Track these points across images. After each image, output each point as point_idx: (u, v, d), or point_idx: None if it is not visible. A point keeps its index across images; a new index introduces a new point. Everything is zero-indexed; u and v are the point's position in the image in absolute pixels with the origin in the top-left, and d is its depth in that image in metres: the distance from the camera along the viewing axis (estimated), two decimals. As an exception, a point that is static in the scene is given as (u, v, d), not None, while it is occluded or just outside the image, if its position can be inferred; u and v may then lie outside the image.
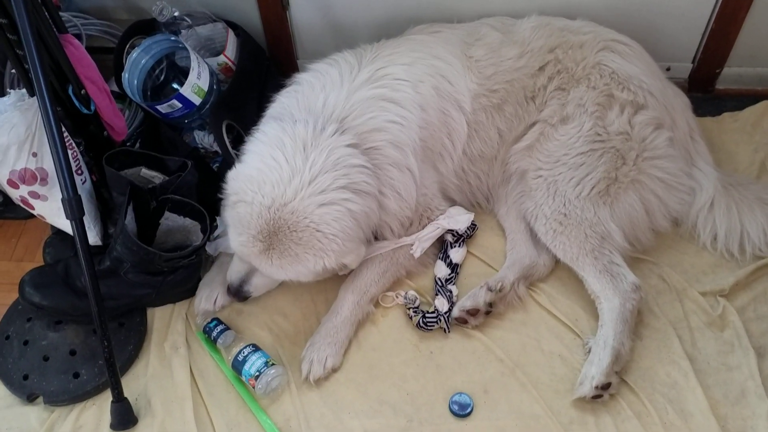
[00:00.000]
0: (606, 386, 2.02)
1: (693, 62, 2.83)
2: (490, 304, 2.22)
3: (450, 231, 2.37)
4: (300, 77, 2.31)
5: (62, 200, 1.93)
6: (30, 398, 2.14)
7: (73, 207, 1.93)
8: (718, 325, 2.18)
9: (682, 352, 2.12)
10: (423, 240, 2.33)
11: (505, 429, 2.02)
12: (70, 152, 2.13)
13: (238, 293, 2.18)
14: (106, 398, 2.10)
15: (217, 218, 2.33)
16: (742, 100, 2.80)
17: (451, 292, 2.28)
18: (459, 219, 2.36)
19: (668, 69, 2.77)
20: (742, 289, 2.26)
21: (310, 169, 1.99)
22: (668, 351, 2.14)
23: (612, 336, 2.08)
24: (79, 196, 1.93)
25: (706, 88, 2.88)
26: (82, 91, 2.13)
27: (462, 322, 2.22)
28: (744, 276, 2.26)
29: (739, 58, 2.78)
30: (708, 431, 1.96)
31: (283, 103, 2.26)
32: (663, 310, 2.23)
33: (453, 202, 2.45)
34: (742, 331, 2.14)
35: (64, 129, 2.11)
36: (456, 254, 2.37)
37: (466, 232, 2.38)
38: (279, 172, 1.99)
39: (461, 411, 2.05)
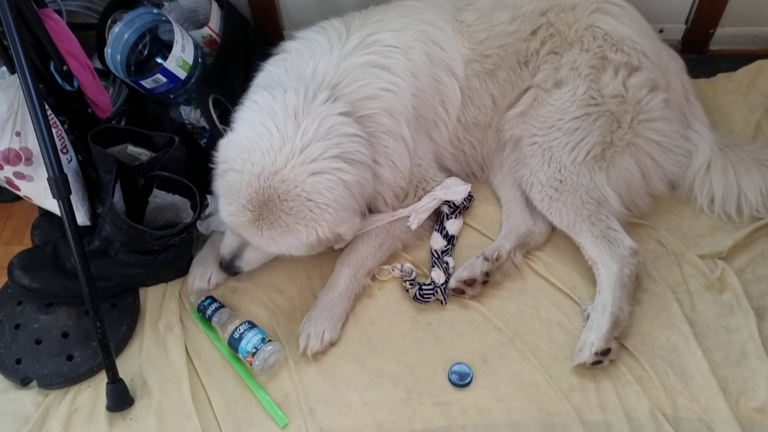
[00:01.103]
0: (605, 352, 2.01)
1: (686, 23, 2.79)
2: (487, 274, 2.19)
3: (446, 202, 2.34)
4: (287, 45, 2.26)
5: (48, 179, 1.89)
6: (24, 382, 2.11)
7: (59, 186, 1.89)
8: (717, 287, 2.17)
9: (682, 315, 2.11)
10: (420, 211, 2.30)
11: (505, 398, 2.01)
12: (54, 130, 2.08)
13: (229, 268, 2.14)
14: (101, 380, 2.08)
15: (208, 196, 2.29)
16: (736, 60, 2.77)
17: (447, 263, 2.26)
18: (456, 190, 2.33)
19: (661, 30, 2.73)
20: (740, 251, 2.25)
21: (301, 137, 1.94)
22: (667, 315, 2.12)
23: (610, 301, 2.07)
24: (66, 174, 1.89)
25: (700, 49, 2.85)
26: (65, 68, 2.07)
27: (459, 292, 2.20)
28: (742, 238, 2.24)
29: (733, 18, 2.74)
30: (709, 393, 1.95)
31: (271, 71, 2.21)
32: (661, 274, 2.22)
33: (449, 173, 2.42)
34: (741, 292, 2.13)
35: (47, 106, 2.06)
36: (452, 226, 2.35)
37: (462, 203, 2.35)
38: (270, 139, 1.95)
39: (461, 381, 2.04)
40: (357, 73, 2.12)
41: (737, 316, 2.10)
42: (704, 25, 2.76)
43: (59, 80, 2.07)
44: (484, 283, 2.21)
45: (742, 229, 2.26)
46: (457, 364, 2.07)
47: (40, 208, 2.40)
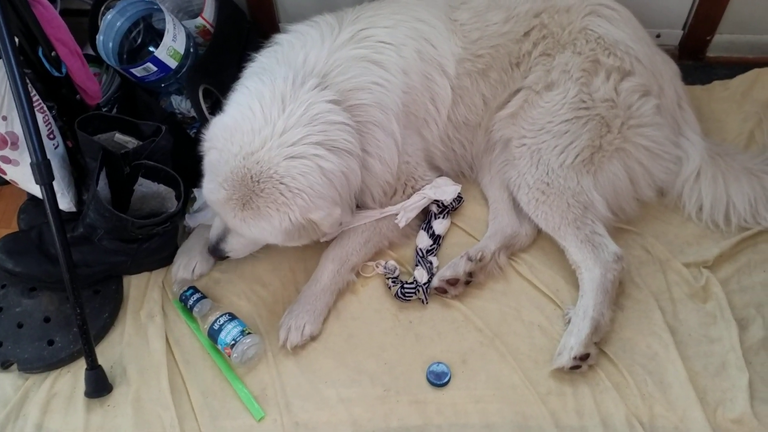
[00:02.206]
0: (585, 357, 2.00)
1: (684, 29, 2.77)
2: (470, 274, 2.19)
3: (435, 202, 2.34)
4: (279, 38, 2.26)
5: (31, 164, 1.88)
6: (4, 365, 2.12)
7: (42, 171, 1.89)
8: (701, 296, 2.16)
9: (664, 323, 2.10)
10: (408, 209, 2.30)
11: (482, 399, 2.01)
12: (41, 116, 2.09)
13: (215, 251, 2.14)
14: (81, 366, 2.08)
15: (195, 190, 2.29)
16: (732, 68, 2.75)
17: (431, 263, 2.25)
18: (446, 190, 2.32)
19: (658, 36, 2.72)
20: (726, 260, 2.23)
21: (285, 120, 1.94)
22: (649, 322, 2.11)
23: (592, 306, 2.06)
24: (49, 160, 1.89)
25: (697, 56, 2.83)
26: (53, 53, 2.07)
27: (442, 291, 2.20)
28: (728, 247, 2.23)
29: (731, 25, 2.72)
30: (686, 403, 1.94)
31: (262, 61, 2.21)
32: (645, 281, 2.21)
33: (440, 172, 2.41)
34: (725, 302, 2.12)
35: (34, 92, 2.07)
36: (439, 225, 2.34)
37: (451, 203, 2.35)
38: (252, 121, 1.95)
39: (438, 380, 2.03)
40: (348, 65, 2.11)
41: (720, 326, 2.09)
42: (702, 31, 2.74)
43: (47, 66, 2.07)
44: (467, 283, 2.20)
45: (729, 239, 2.25)
46: (435, 363, 2.07)
47: (28, 193, 2.40)
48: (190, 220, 2.36)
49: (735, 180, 2.28)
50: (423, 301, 2.19)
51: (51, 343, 2.14)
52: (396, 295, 2.19)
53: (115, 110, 2.51)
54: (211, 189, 1.97)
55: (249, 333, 2.09)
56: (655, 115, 2.25)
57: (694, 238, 2.30)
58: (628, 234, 2.31)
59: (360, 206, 2.27)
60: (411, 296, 2.19)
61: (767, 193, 2.26)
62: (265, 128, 1.93)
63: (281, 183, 1.91)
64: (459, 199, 2.37)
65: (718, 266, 2.22)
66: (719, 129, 2.54)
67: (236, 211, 1.95)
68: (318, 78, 2.06)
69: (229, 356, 2.07)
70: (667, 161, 2.29)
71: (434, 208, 2.35)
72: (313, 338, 2.14)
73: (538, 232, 2.31)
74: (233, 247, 2.13)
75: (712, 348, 2.06)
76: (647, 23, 2.42)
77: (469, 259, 2.18)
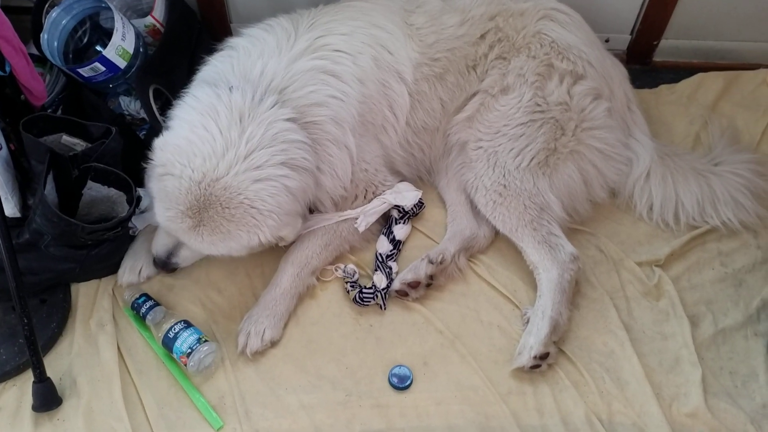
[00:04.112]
0: (544, 356, 2.02)
1: (631, 34, 2.84)
2: (431, 277, 2.19)
3: (396, 207, 2.33)
4: (234, 42, 2.22)
5: (-27, 168, 1.80)
6: (-56, 380, 2.01)
7: (-16, 176, 1.80)
8: (654, 294, 2.21)
9: (619, 321, 2.14)
10: (368, 214, 2.28)
11: (443, 401, 2.01)
12: (-18, 117, 2.00)
13: (165, 266, 2.09)
14: (27, 378, 2.00)
15: (141, 190, 2.22)
16: (678, 72, 2.83)
17: (390, 268, 2.24)
18: (406, 195, 2.32)
19: (607, 40, 2.77)
20: (677, 259, 2.29)
21: (246, 143, 1.90)
22: (605, 320, 2.15)
23: (550, 306, 2.08)
24: (-8, 163, 1.80)
25: (644, 60, 2.90)
26: (-5, 52, 1.98)
27: (403, 294, 2.19)
28: (679, 246, 2.29)
29: (676, 31, 2.80)
30: (643, 399, 1.99)
31: (216, 66, 2.16)
32: (600, 280, 2.25)
33: (401, 176, 2.40)
34: (677, 300, 2.18)
35: (-26, 92, 1.97)
36: (400, 231, 2.33)
37: (412, 209, 2.34)
38: (212, 144, 1.89)
39: (401, 384, 2.02)
40: (305, 79, 2.09)
41: (672, 323, 2.14)
42: (649, 36, 2.81)
43: (-11, 64, 1.99)
44: (428, 285, 2.20)
45: (679, 238, 2.31)
46: (397, 366, 2.06)
47: (-33, 198, 2.29)
48: (137, 222, 2.28)
49: (683, 180, 2.35)
50: (381, 307, 2.18)
51: (-6, 355, 2.05)
52: (354, 299, 2.17)
53: (59, 111, 2.41)
54: (171, 217, 1.91)
55: (206, 341, 2.03)
56: (607, 118, 2.30)
57: (645, 237, 2.35)
58: (582, 234, 2.35)
59: (312, 211, 2.25)
60: (369, 301, 2.17)
61: (714, 193, 2.33)
62: (227, 152, 1.88)
63: (252, 207, 1.90)
64: (420, 204, 2.37)
65: (669, 265, 2.28)
66: (667, 131, 2.61)
67: (204, 236, 1.92)
68: (276, 94, 2.02)
69: (185, 365, 2.01)
70: (619, 162, 2.35)
71: (395, 213, 2.34)
72: (273, 343, 2.10)
73: (496, 234, 2.33)
74: (186, 258, 2.10)
75: (665, 344, 2.11)
76: (596, 28, 2.47)
77: (430, 261, 2.18)
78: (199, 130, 1.92)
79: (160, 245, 2.07)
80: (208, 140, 1.90)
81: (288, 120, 1.99)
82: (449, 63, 2.29)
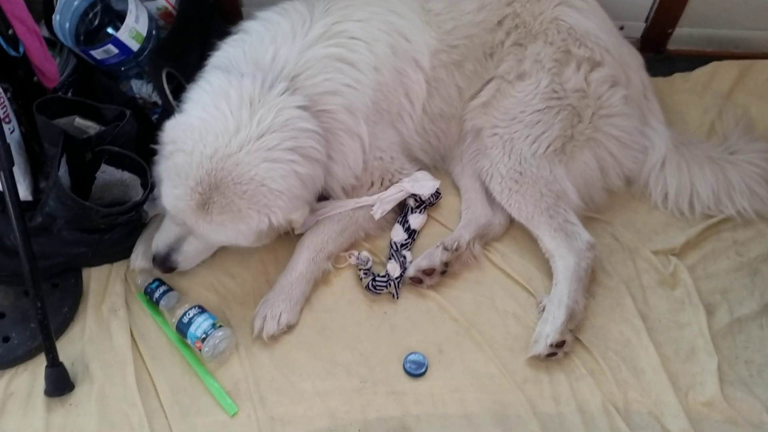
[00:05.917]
0: (560, 344, 2.01)
1: (646, 21, 2.82)
2: (446, 264, 2.17)
3: (413, 196, 2.31)
4: (247, 26, 2.19)
5: (-12, 149, 1.77)
6: (-45, 365, 2.00)
7: (1, 157, 1.78)
8: (669, 283, 2.20)
9: (635, 310, 2.13)
10: (385, 202, 2.27)
11: (459, 388, 2.00)
12: (-5, 98, 1.97)
13: (164, 263, 2.05)
14: (40, 363, 1.99)
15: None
16: (692, 61, 2.81)
17: (405, 257, 2.22)
18: (424, 184, 2.30)
19: (622, 28, 2.73)
20: (692, 248, 2.28)
21: (257, 125, 1.89)
22: (621, 309, 2.14)
23: (567, 294, 2.07)
24: (9, 144, 1.78)
25: (658, 48, 2.88)
26: (10, 31, 1.97)
27: (417, 281, 2.17)
28: (694, 235, 2.28)
29: (691, 19, 2.78)
30: (659, 387, 1.98)
31: (228, 52, 2.13)
32: (616, 268, 2.24)
33: (420, 164, 2.38)
34: (693, 289, 2.17)
35: (-13, 72, 1.95)
36: (415, 220, 2.31)
37: (429, 198, 2.32)
38: (224, 122, 1.88)
39: (416, 370, 2.01)
40: (320, 66, 2.06)
41: (688, 312, 2.13)
42: (663, 24, 2.79)
43: (3, 45, 1.97)
44: (443, 273, 2.19)
45: (695, 227, 2.30)
46: (412, 353, 2.05)
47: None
48: (148, 208, 2.26)
49: (698, 168, 2.34)
50: (394, 296, 2.16)
51: (6, 339, 2.03)
52: (367, 287, 2.16)
53: (69, 94, 2.38)
54: (179, 195, 1.88)
55: (221, 326, 2.02)
56: (624, 106, 2.29)
57: (660, 226, 2.34)
58: (597, 223, 2.34)
59: (327, 198, 2.23)
60: (382, 289, 2.16)
61: (729, 182, 2.32)
62: (240, 131, 1.87)
63: (262, 185, 1.87)
64: (437, 194, 2.35)
65: (684, 254, 2.27)
66: (681, 120, 2.60)
67: (211, 216, 1.89)
68: (287, 81, 2.00)
69: (200, 350, 2.00)
70: (635, 150, 2.33)
71: (411, 202, 2.32)
72: (289, 327, 2.09)
73: (511, 222, 2.32)
74: (188, 256, 2.07)
75: (681, 333, 2.10)
76: (611, 15, 2.44)
77: (445, 248, 2.17)
78: (211, 110, 1.91)
79: (161, 239, 2.05)
80: (220, 119, 1.89)
81: (299, 107, 1.97)
82: (467, 50, 2.27)
